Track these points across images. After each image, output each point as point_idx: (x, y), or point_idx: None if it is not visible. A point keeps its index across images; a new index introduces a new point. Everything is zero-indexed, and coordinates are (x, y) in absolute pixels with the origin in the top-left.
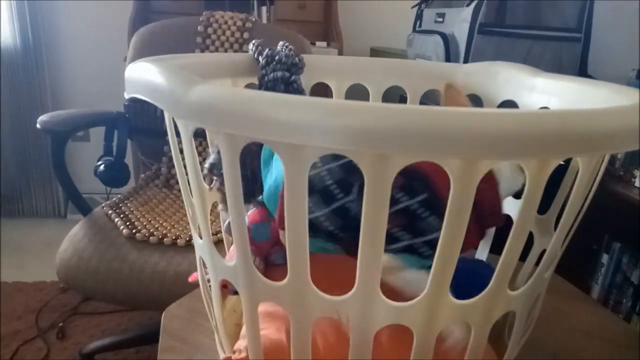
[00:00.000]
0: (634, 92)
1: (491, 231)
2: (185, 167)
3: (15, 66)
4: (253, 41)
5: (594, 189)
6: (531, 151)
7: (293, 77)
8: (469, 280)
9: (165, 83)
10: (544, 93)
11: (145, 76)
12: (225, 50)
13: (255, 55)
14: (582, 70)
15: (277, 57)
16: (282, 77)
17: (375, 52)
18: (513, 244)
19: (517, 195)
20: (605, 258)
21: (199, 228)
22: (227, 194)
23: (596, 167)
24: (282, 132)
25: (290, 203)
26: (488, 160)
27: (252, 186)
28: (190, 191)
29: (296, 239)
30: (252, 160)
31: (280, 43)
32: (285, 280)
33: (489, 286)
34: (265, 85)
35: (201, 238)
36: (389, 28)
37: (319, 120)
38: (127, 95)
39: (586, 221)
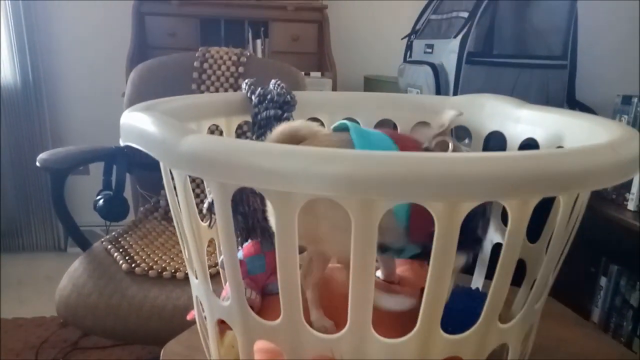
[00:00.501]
0: (614, 126)
1: (485, 258)
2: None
3: (15, 103)
4: (246, 80)
5: (578, 221)
6: (510, 193)
7: (285, 115)
8: (461, 308)
9: (157, 133)
10: (529, 124)
11: (138, 126)
12: (222, 84)
13: (248, 94)
14: (570, 96)
15: (269, 96)
16: (274, 115)
17: (368, 81)
18: (499, 280)
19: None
20: (603, 281)
21: (194, 268)
22: (220, 236)
23: (579, 202)
24: (271, 180)
25: (281, 246)
26: (468, 202)
27: (251, 223)
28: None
29: (288, 280)
30: (249, 198)
31: (273, 81)
32: (279, 320)
33: (480, 320)
34: (258, 123)
35: (197, 278)
36: (382, 57)
37: (304, 168)
38: (122, 143)
39: (583, 244)
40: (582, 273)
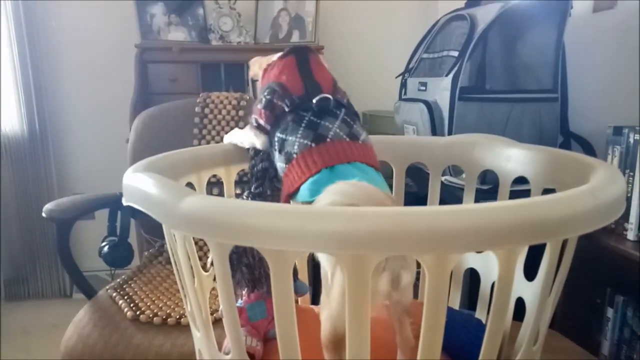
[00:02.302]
0: (599, 166)
1: (485, 295)
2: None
3: (22, 153)
4: None
5: (569, 262)
6: (496, 242)
7: None
8: (459, 333)
9: (157, 196)
10: (520, 163)
11: (140, 187)
12: (222, 128)
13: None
14: (563, 127)
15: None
16: (270, 166)
17: (366, 117)
18: (494, 324)
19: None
20: (610, 312)
21: (196, 321)
22: (219, 293)
23: (569, 245)
24: (265, 239)
25: (279, 300)
26: (456, 253)
27: (257, 274)
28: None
29: (286, 333)
30: (254, 249)
31: None
32: None
33: None
34: (255, 175)
35: (199, 331)
36: (379, 94)
37: (297, 227)
38: (125, 204)
39: (587, 275)
40: (588, 305)
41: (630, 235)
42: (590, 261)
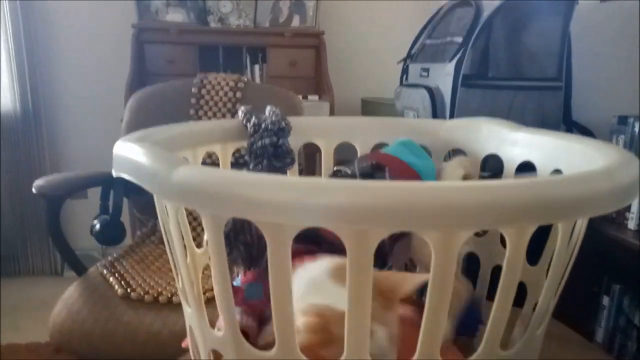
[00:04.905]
0: (610, 149)
1: (485, 279)
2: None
3: (14, 130)
4: (242, 108)
5: (578, 245)
6: (507, 220)
7: (281, 141)
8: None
9: (148, 165)
10: (526, 147)
11: (130, 157)
12: (219, 109)
13: (244, 122)
14: (566, 116)
15: (263, 125)
16: (269, 143)
17: (365, 103)
18: (500, 307)
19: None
20: (606, 300)
21: (187, 297)
22: (212, 270)
23: (577, 228)
24: (263, 211)
25: (275, 275)
26: (464, 231)
27: (255, 252)
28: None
29: (281, 310)
30: (252, 226)
31: (268, 108)
32: (273, 350)
33: (482, 346)
34: (254, 152)
35: (190, 307)
36: (379, 80)
37: (297, 199)
38: (114, 174)
39: (585, 263)
40: (584, 293)
41: (631, 224)
42: (588, 249)
